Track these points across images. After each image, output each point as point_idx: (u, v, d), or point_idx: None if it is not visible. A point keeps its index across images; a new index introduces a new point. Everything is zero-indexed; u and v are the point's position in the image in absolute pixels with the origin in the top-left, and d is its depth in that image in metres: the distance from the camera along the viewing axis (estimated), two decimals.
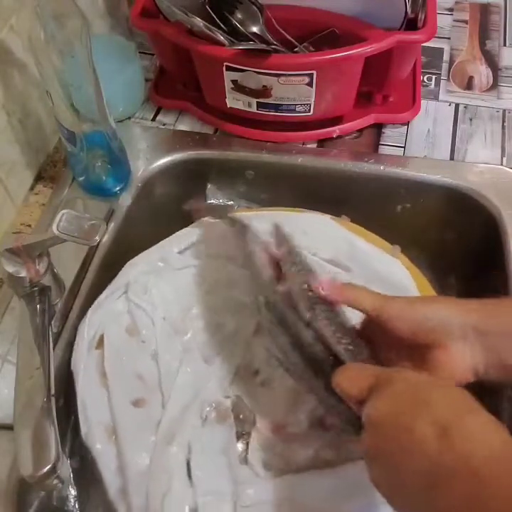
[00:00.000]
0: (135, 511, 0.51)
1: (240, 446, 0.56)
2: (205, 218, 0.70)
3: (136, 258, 0.66)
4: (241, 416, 0.58)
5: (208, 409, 0.57)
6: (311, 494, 0.51)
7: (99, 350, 0.60)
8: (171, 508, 0.51)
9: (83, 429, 0.56)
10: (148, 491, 0.51)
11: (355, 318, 0.50)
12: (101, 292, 0.63)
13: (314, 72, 0.66)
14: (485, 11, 0.92)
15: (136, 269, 0.64)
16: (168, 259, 0.66)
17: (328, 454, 0.53)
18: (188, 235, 0.68)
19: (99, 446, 0.55)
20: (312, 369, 0.48)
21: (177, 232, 0.69)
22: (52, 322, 0.59)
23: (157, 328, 0.62)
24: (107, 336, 0.61)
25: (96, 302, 0.62)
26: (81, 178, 0.70)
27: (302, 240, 0.62)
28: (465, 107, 0.79)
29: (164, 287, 0.65)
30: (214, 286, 0.67)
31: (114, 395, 0.57)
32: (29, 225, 0.70)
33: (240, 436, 0.57)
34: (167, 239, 0.68)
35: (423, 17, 0.68)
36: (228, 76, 0.69)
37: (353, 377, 0.42)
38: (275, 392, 0.58)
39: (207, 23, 0.65)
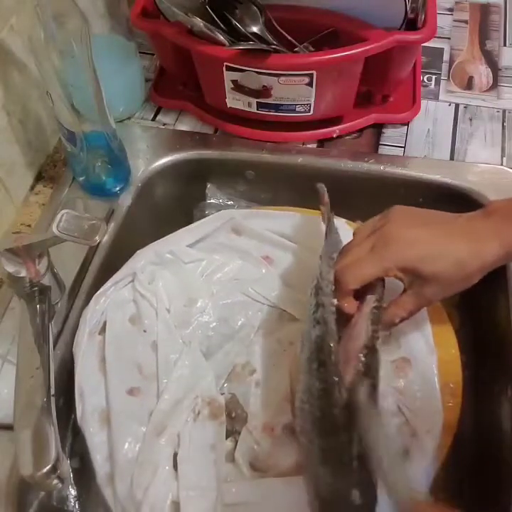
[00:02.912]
0: (119, 498, 0.52)
1: (228, 443, 0.56)
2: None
3: (145, 248, 0.66)
4: (233, 414, 0.58)
5: (201, 404, 0.57)
6: (293, 500, 0.50)
7: (102, 336, 0.61)
8: (154, 498, 0.51)
9: (78, 412, 0.56)
10: (133, 480, 0.52)
11: None
12: None
13: (314, 72, 0.66)
14: (485, 11, 0.92)
15: (144, 258, 0.65)
16: (177, 252, 0.66)
17: None
18: (199, 228, 0.68)
19: (92, 431, 0.55)
20: (320, 426, 0.47)
21: (188, 226, 0.69)
22: (52, 322, 0.59)
23: (160, 319, 0.62)
24: (109, 322, 0.61)
25: (102, 289, 0.62)
26: (81, 178, 0.70)
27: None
28: (465, 107, 0.79)
29: (171, 279, 0.65)
30: (220, 281, 0.67)
31: (111, 381, 0.58)
32: (29, 225, 0.70)
33: (230, 434, 0.57)
34: (178, 231, 0.68)
35: (423, 17, 0.68)
36: (228, 76, 0.69)
37: None
38: (269, 392, 0.58)
39: (207, 23, 0.65)
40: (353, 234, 0.56)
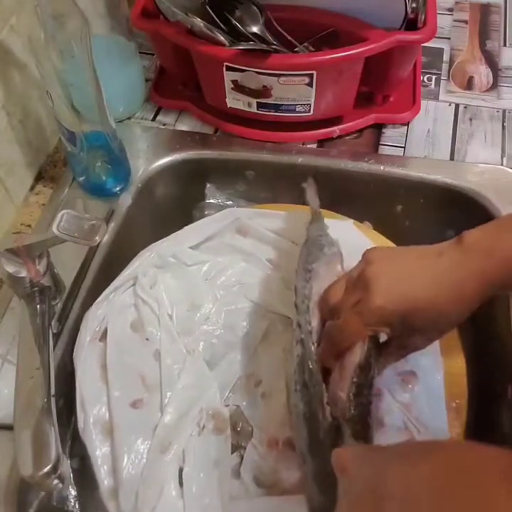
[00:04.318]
0: None
1: (234, 458, 0.55)
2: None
3: (149, 247, 0.65)
4: (238, 428, 0.57)
5: (205, 418, 0.56)
6: None
7: (102, 343, 0.60)
8: None
9: (80, 422, 0.56)
10: (139, 498, 0.51)
11: None
12: (101, 292, 0.63)
13: (314, 72, 0.66)
14: (485, 11, 0.92)
15: (146, 261, 0.64)
16: (179, 255, 0.65)
17: None
18: (203, 228, 0.68)
19: (95, 443, 0.55)
20: (310, 446, 0.47)
21: (190, 225, 0.68)
22: (52, 322, 0.59)
23: (162, 326, 0.61)
24: (110, 329, 0.60)
25: (104, 293, 0.62)
26: (81, 178, 0.70)
27: None
28: (465, 107, 0.79)
29: (173, 284, 0.64)
30: (225, 286, 0.66)
31: (113, 392, 0.57)
32: (29, 225, 0.70)
33: (235, 448, 0.56)
34: (181, 231, 0.67)
35: (423, 17, 0.68)
36: (228, 76, 0.69)
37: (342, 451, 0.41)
38: (274, 405, 0.57)
39: (207, 23, 0.65)
40: (330, 286, 0.53)
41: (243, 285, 0.66)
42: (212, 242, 0.68)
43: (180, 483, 0.53)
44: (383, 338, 0.51)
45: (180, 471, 0.53)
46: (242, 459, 0.55)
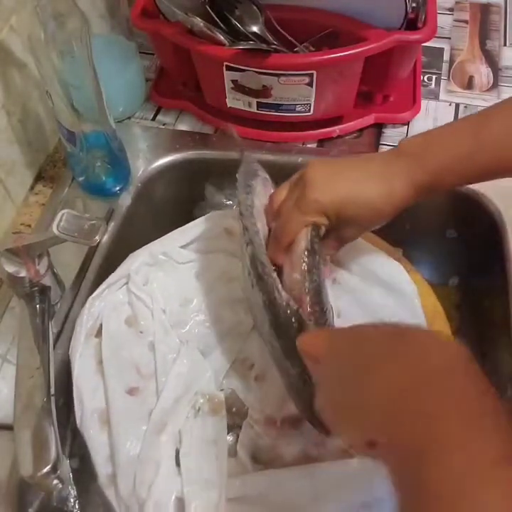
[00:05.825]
0: (123, 497, 0.52)
1: (230, 438, 0.57)
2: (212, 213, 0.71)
3: (138, 250, 0.66)
4: (234, 409, 0.59)
5: (201, 401, 0.57)
6: (297, 489, 0.51)
7: (98, 339, 0.60)
8: (158, 495, 0.51)
9: (78, 415, 0.56)
10: (136, 478, 0.52)
11: None
12: None
13: (314, 72, 0.66)
14: (485, 10, 0.92)
15: (138, 260, 0.65)
16: (170, 253, 0.66)
17: (314, 451, 0.54)
18: (191, 229, 0.68)
19: (92, 432, 0.55)
20: (275, 330, 0.50)
21: (181, 227, 0.69)
22: (52, 322, 0.59)
23: (155, 319, 0.62)
24: (105, 325, 0.61)
25: (96, 291, 0.62)
26: (81, 178, 0.70)
27: None
28: (465, 106, 0.79)
29: (165, 280, 0.65)
30: (215, 280, 0.67)
31: (110, 382, 0.57)
32: (29, 225, 0.70)
33: (231, 428, 0.57)
34: (170, 233, 0.68)
35: (423, 17, 0.68)
36: (228, 76, 0.69)
37: (312, 339, 0.44)
38: (268, 386, 0.58)
39: (207, 23, 0.65)
40: (275, 192, 0.58)
41: (233, 279, 0.66)
42: (201, 241, 0.68)
43: (178, 464, 0.54)
44: (322, 232, 0.55)
45: (177, 452, 0.54)
46: (237, 438, 0.56)
